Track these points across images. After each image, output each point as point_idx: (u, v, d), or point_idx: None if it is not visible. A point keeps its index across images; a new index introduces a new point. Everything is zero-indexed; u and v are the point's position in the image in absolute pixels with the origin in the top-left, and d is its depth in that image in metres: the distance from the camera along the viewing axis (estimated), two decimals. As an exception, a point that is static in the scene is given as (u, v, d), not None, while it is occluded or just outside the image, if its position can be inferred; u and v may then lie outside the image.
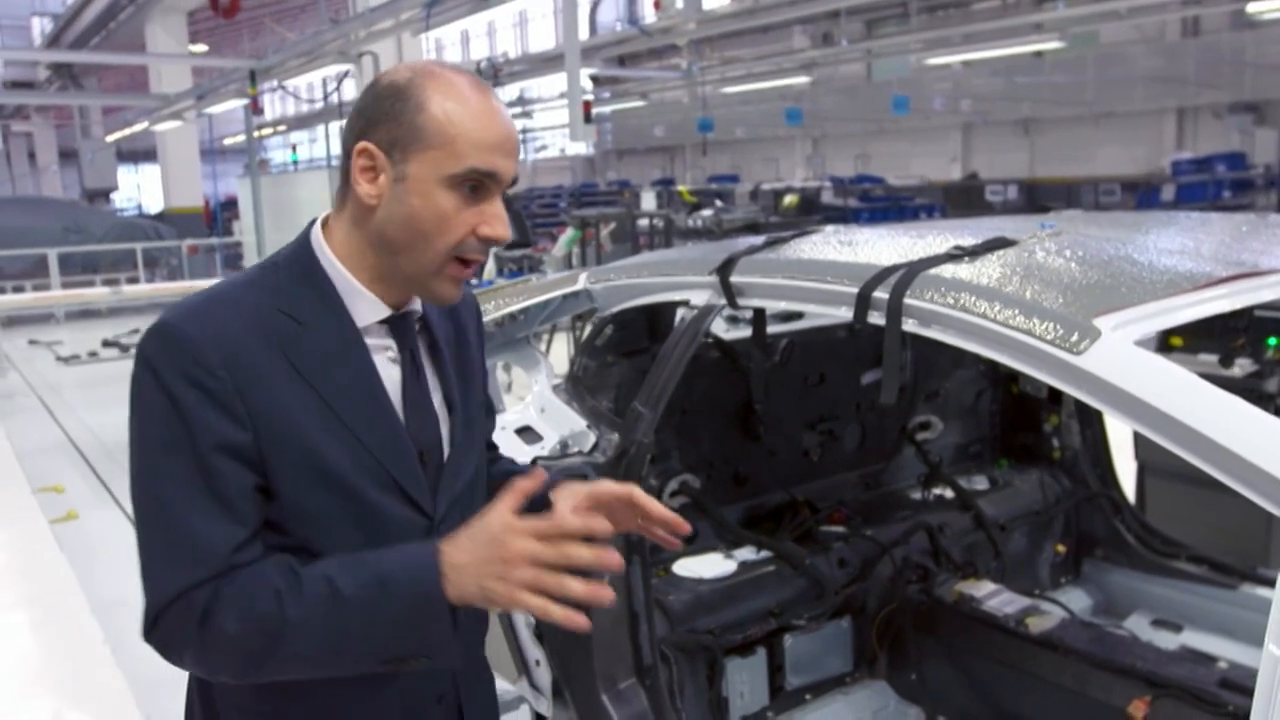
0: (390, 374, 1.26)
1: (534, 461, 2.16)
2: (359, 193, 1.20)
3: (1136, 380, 1.34)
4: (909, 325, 1.67)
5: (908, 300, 1.67)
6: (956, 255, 1.77)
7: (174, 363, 1.13)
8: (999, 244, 1.84)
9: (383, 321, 1.26)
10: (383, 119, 1.19)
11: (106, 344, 11.55)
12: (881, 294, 1.71)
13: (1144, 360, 1.36)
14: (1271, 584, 2.81)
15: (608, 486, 1.30)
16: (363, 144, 1.20)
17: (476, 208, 1.20)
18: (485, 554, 1.10)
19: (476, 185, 1.19)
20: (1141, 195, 16.18)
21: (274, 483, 1.17)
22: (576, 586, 1.09)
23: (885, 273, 1.74)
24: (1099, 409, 1.39)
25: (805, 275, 1.92)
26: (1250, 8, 12.84)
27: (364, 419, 1.21)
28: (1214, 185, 15.54)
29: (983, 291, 1.59)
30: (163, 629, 1.14)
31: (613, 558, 1.13)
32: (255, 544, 1.16)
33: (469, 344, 1.41)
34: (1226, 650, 2.62)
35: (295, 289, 1.22)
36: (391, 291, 1.25)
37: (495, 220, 1.21)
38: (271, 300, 1.20)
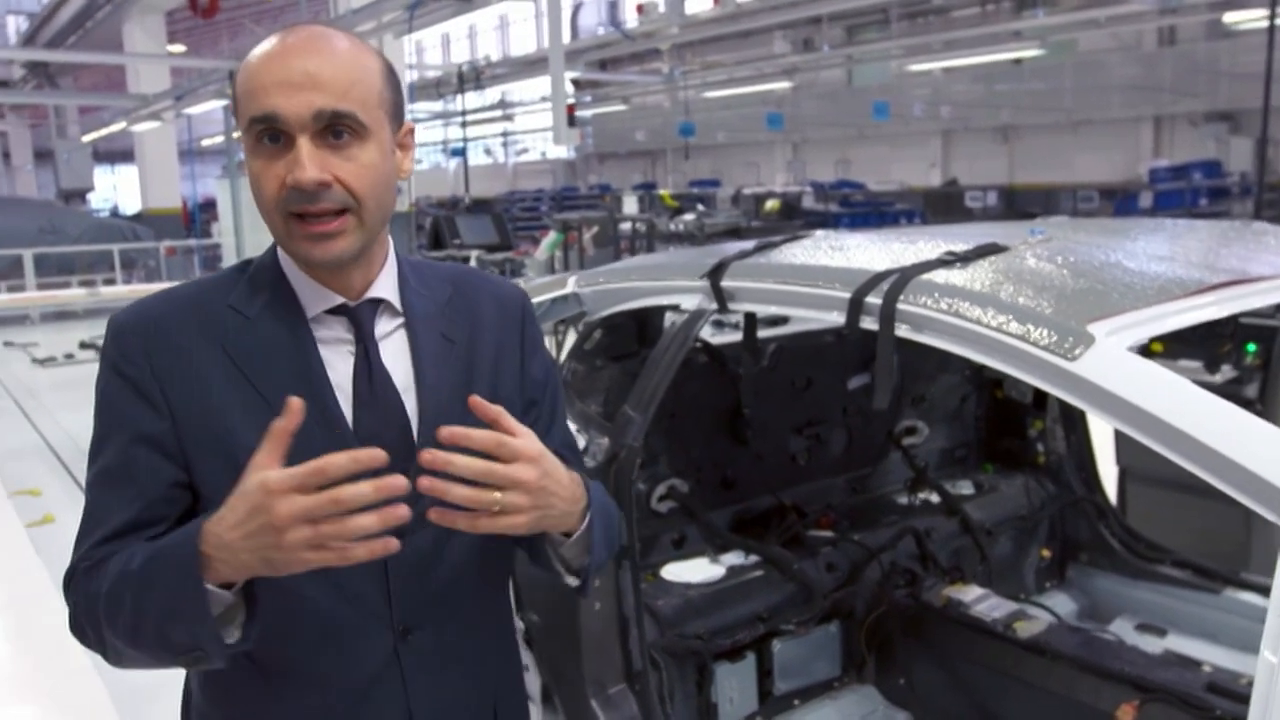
0: (347, 368, 1.18)
1: None
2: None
3: (1131, 386, 1.34)
4: (902, 330, 1.67)
5: (900, 305, 1.67)
6: (949, 261, 1.78)
7: (110, 352, 1.16)
8: (991, 250, 1.84)
9: (337, 313, 1.18)
10: None
11: (84, 345, 11.42)
12: (874, 299, 1.71)
13: (1138, 366, 1.37)
14: (1255, 589, 2.84)
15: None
16: None
17: (283, 159, 1.09)
18: (252, 526, 0.96)
19: (273, 135, 1.09)
20: (1119, 202, 16.32)
21: (195, 478, 1.14)
22: (364, 521, 0.95)
23: (878, 278, 1.74)
24: (1093, 414, 1.39)
25: (797, 280, 1.92)
26: (1227, 18, 12.99)
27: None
28: (1191, 192, 15.73)
29: (976, 297, 1.59)
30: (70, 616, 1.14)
31: (396, 488, 0.96)
32: (154, 531, 1.12)
33: (483, 338, 1.27)
34: (1210, 654, 2.64)
35: (252, 286, 1.19)
36: (326, 276, 1.18)
37: (294, 165, 1.08)
38: (221, 295, 1.18)
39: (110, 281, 15.35)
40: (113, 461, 1.14)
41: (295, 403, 0.99)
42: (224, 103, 14.70)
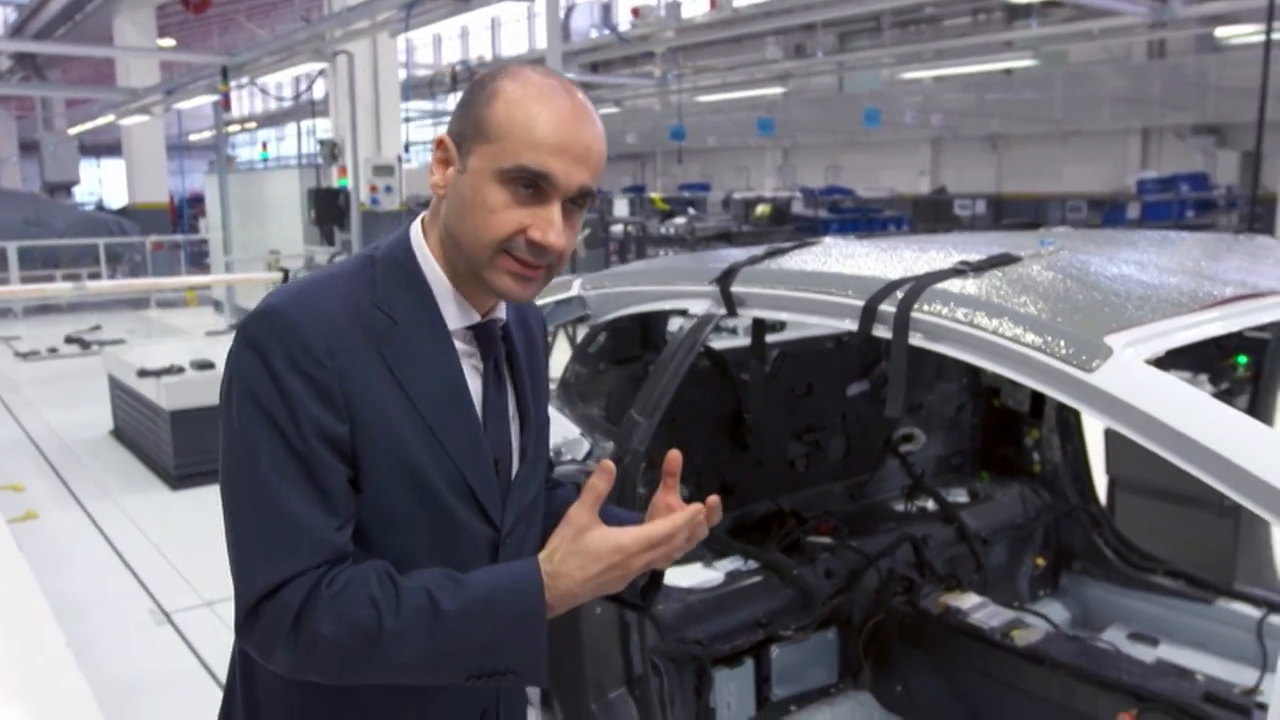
0: (473, 382, 1.25)
1: None
2: (431, 183, 1.22)
3: (1149, 398, 1.34)
4: (915, 339, 1.68)
5: (915, 314, 1.67)
6: (962, 270, 1.78)
7: (282, 348, 1.12)
8: (1004, 260, 1.85)
9: (469, 328, 1.25)
10: (460, 111, 1.20)
11: (69, 340, 11.33)
12: (888, 307, 1.71)
13: (1156, 379, 1.37)
14: (1248, 600, 2.85)
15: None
16: (441, 135, 1.21)
17: (530, 209, 1.16)
18: (608, 577, 1.17)
19: (531, 185, 1.15)
20: (1107, 213, 16.41)
21: (361, 478, 1.16)
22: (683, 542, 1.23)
23: (892, 286, 1.74)
24: (1111, 426, 1.39)
25: (808, 286, 1.92)
26: (1219, 32, 13.08)
27: (448, 424, 1.20)
28: (1178, 204, 15.81)
29: (992, 307, 1.59)
30: (260, 626, 1.11)
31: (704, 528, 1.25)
32: (349, 534, 1.15)
33: (539, 357, 1.40)
34: (1202, 664, 2.65)
35: (392, 286, 1.21)
36: (473, 293, 1.24)
37: (546, 225, 1.16)
38: (369, 295, 1.20)
39: (95, 276, 15.20)
40: (292, 458, 1.11)
41: (607, 466, 1.20)
42: (214, 98, 14.57)
